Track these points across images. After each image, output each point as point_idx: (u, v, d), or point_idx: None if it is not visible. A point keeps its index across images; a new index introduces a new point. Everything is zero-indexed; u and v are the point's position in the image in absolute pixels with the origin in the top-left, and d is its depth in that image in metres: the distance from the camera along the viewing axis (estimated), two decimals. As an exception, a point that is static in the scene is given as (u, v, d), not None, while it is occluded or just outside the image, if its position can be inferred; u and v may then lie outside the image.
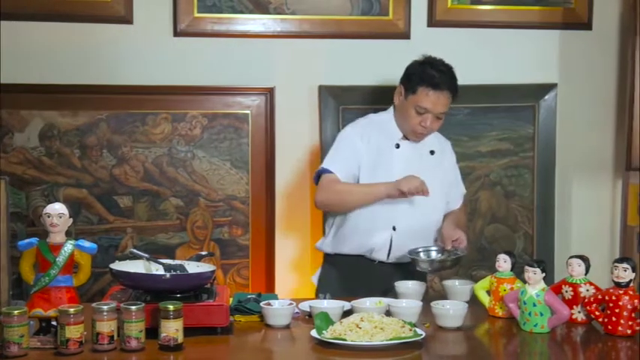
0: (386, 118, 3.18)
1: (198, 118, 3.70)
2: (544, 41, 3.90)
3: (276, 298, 2.73)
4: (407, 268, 3.11)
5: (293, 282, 3.76)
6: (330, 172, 3.07)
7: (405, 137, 3.13)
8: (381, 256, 3.11)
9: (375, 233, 3.08)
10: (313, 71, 3.76)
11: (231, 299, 2.64)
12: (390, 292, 2.89)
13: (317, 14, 3.74)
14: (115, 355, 2.23)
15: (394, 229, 3.07)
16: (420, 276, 3.12)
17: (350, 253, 3.14)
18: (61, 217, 2.33)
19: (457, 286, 2.90)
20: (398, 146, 3.12)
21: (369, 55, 3.78)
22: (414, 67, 3.09)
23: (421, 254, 3.03)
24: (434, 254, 3.04)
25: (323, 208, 3.21)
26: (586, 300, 2.53)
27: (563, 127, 3.91)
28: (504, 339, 2.54)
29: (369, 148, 3.09)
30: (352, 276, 3.12)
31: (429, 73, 3.03)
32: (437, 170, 3.15)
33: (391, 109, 3.19)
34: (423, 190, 2.91)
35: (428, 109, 3.02)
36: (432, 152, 3.17)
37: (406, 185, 2.90)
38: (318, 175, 3.11)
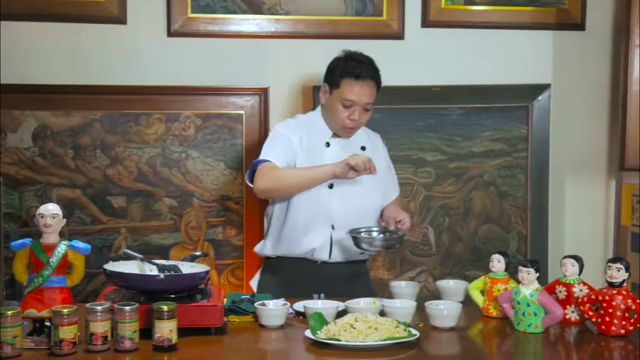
0: (314, 117, 3.15)
1: (192, 119, 3.69)
2: (537, 42, 3.91)
3: (270, 298, 2.73)
4: (349, 268, 3.08)
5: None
6: (267, 160, 2.98)
7: (335, 135, 3.10)
8: (322, 256, 3.04)
9: (315, 233, 3.02)
10: (307, 72, 3.76)
11: (225, 300, 2.64)
12: (335, 294, 2.82)
13: (311, 15, 3.74)
14: (109, 356, 2.22)
15: (333, 227, 3.02)
16: (362, 275, 3.12)
17: (291, 256, 3.08)
18: (54, 218, 2.33)
19: (451, 286, 2.90)
20: (328, 145, 3.08)
21: (363, 56, 3.78)
22: (335, 63, 3.08)
23: (363, 234, 2.92)
24: (375, 234, 2.94)
25: (263, 195, 3.07)
26: (579, 300, 2.54)
27: (557, 128, 3.91)
28: (498, 339, 2.54)
29: (301, 146, 3.05)
30: (294, 279, 3.04)
31: (350, 64, 3.02)
32: None
33: (318, 108, 3.15)
34: (370, 167, 2.84)
35: (354, 101, 2.99)
36: (363, 148, 3.12)
37: (353, 159, 2.83)
38: (253, 170, 2.99)
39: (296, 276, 3.05)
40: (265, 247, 3.15)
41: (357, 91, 3.00)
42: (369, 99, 3.02)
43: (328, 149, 3.07)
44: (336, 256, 3.05)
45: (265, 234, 3.18)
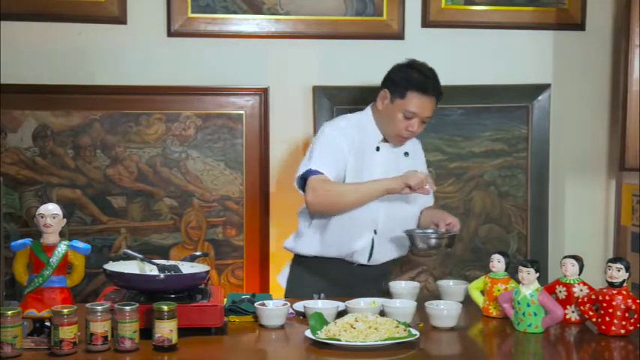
0: (364, 119, 3.13)
1: (192, 119, 3.69)
2: (538, 42, 3.91)
3: (270, 298, 2.73)
4: (377, 269, 3.12)
5: (287, 282, 3.75)
6: (319, 172, 2.96)
7: (384, 140, 3.11)
8: (361, 259, 3.08)
9: (357, 237, 3.05)
10: (307, 71, 3.77)
11: (225, 300, 2.64)
12: (371, 294, 2.83)
13: (311, 15, 3.74)
14: (109, 356, 2.22)
15: (375, 232, 3.06)
16: (387, 276, 3.16)
17: (329, 256, 3.10)
18: (54, 218, 2.33)
19: (451, 286, 2.90)
20: (378, 149, 3.10)
21: (363, 56, 3.78)
22: (401, 72, 3.06)
23: (419, 233, 3.00)
24: (430, 233, 3.01)
25: (315, 209, 3.00)
26: (580, 300, 2.54)
27: (557, 128, 3.92)
28: (498, 339, 2.54)
29: (351, 149, 3.04)
30: (328, 278, 3.07)
31: (417, 77, 3.01)
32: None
33: (368, 110, 3.14)
34: (431, 183, 2.88)
35: (416, 114, 3.01)
36: (406, 154, 3.16)
37: (414, 180, 2.86)
38: (304, 178, 2.98)
39: (330, 275, 3.08)
40: (301, 246, 3.14)
41: (420, 105, 3.01)
42: (430, 113, 3.05)
43: (378, 153, 3.09)
44: (374, 260, 3.09)
45: (300, 232, 3.16)
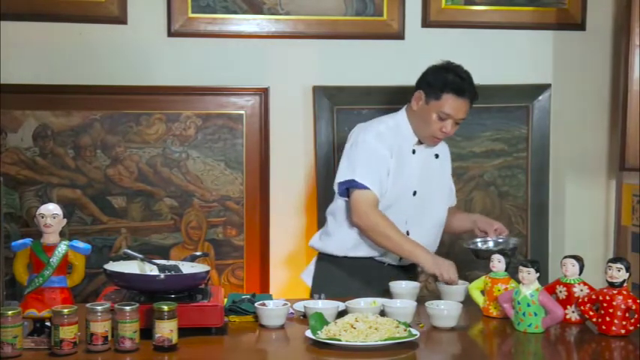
0: (400, 121, 3.13)
1: (192, 119, 3.69)
2: (538, 42, 3.91)
3: (270, 298, 2.73)
4: (403, 270, 3.15)
5: (287, 282, 3.75)
6: (367, 187, 2.98)
7: (419, 142, 3.13)
8: (392, 260, 3.13)
9: None
10: (307, 71, 3.76)
11: (225, 300, 2.64)
12: (384, 294, 2.87)
13: (311, 15, 3.74)
14: (109, 356, 2.22)
15: (408, 233, 3.08)
16: (411, 277, 3.16)
17: (361, 256, 3.12)
18: (54, 218, 2.33)
19: (451, 286, 2.90)
20: (414, 152, 3.12)
21: (364, 56, 3.78)
22: (437, 74, 3.07)
23: (479, 244, 3.11)
24: (491, 244, 3.10)
25: (362, 229, 3.04)
26: (580, 300, 2.54)
27: (557, 128, 3.92)
28: (498, 339, 2.54)
29: (392, 154, 3.06)
30: (357, 277, 3.09)
31: (452, 79, 3.03)
32: (440, 173, 3.22)
33: (402, 112, 3.14)
34: (453, 282, 2.91)
35: (451, 115, 3.02)
36: (436, 156, 3.19)
37: (446, 274, 2.91)
38: (347, 188, 3.02)
39: (359, 274, 3.09)
40: (330, 245, 3.16)
41: (456, 107, 3.02)
42: (464, 115, 3.07)
43: (414, 156, 3.12)
44: (404, 261, 3.12)
45: (328, 231, 3.17)
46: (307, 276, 3.24)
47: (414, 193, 3.10)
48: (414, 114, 3.10)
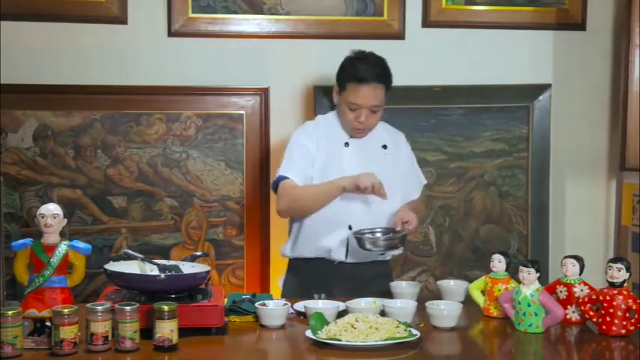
0: (331, 117, 3.13)
1: (192, 119, 3.69)
2: (538, 42, 3.91)
3: (270, 298, 2.73)
4: (371, 269, 3.06)
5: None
6: (287, 177, 3.00)
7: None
8: (339, 256, 3.03)
9: (332, 234, 3.01)
10: (308, 72, 3.77)
11: (225, 300, 2.64)
12: (353, 293, 2.82)
13: (311, 15, 3.74)
14: (110, 356, 2.22)
15: (350, 227, 3.00)
16: (384, 276, 3.08)
17: (310, 256, 3.07)
18: (55, 218, 2.33)
19: (452, 286, 2.90)
20: (347, 145, 3.06)
21: (364, 56, 3.78)
22: (344, 63, 3.04)
23: (367, 234, 2.95)
24: (379, 234, 2.96)
25: (285, 215, 3.10)
26: (580, 300, 2.54)
27: (558, 128, 3.92)
28: (499, 339, 2.54)
29: (319, 149, 3.04)
30: (314, 279, 3.03)
31: (356, 67, 2.97)
32: (390, 164, 3.09)
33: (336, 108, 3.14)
34: (380, 192, 2.86)
35: (359, 105, 2.96)
36: (384, 146, 3.11)
37: (364, 181, 2.84)
38: (277, 184, 3.03)
39: (316, 276, 3.03)
40: (286, 249, 3.15)
41: (362, 95, 2.96)
42: (374, 101, 2.98)
43: (348, 149, 3.06)
44: (354, 257, 3.03)
45: (289, 236, 3.18)
46: (281, 282, 3.21)
47: None
48: (336, 108, 3.10)
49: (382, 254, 3.06)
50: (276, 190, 3.05)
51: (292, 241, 3.12)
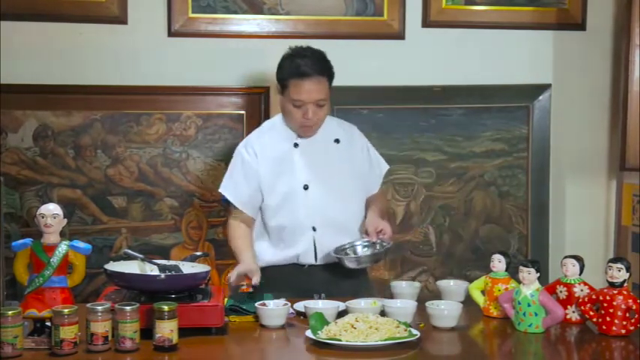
0: (276, 120, 3.06)
1: (192, 119, 3.69)
2: (538, 42, 3.91)
3: (270, 298, 2.73)
4: (339, 268, 2.94)
5: (288, 282, 3.75)
6: (229, 202, 3.01)
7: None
8: (308, 259, 2.96)
9: (297, 237, 2.95)
10: (308, 71, 3.76)
11: (225, 300, 2.64)
12: (331, 296, 2.79)
13: (311, 15, 3.75)
14: (110, 356, 2.22)
15: (314, 229, 2.94)
16: (359, 276, 3.03)
17: (279, 263, 3.00)
18: (55, 218, 2.33)
19: (452, 286, 2.90)
20: (296, 145, 2.98)
21: (364, 56, 3.78)
22: (282, 62, 2.96)
23: (347, 251, 2.91)
24: (359, 249, 2.91)
25: None
26: (580, 300, 2.54)
27: (558, 128, 3.92)
28: (499, 339, 2.54)
29: (263, 157, 2.97)
30: (286, 286, 2.91)
31: (294, 63, 2.90)
32: (345, 159, 3.03)
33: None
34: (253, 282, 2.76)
35: (304, 100, 2.88)
36: (337, 141, 3.03)
37: (233, 273, 2.79)
38: (225, 203, 3.06)
39: (287, 282, 2.93)
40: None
41: (305, 90, 2.88)
42: (318, 95, 2.89)
43: (297, 149, 2.99)
44: (323, 258, 2.96)
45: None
46: None
47: (306, 187, 2.94)
48: (281, 109, 3.02)
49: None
50: (227, 204, 3.06)
51: (258, 249, 3.02)
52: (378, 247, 2.88)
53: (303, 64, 2.90)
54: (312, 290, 2.89)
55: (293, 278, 2.98)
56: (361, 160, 3.10)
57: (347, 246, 2.93)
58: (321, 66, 2.93)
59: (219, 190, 3.03)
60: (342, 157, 3.03)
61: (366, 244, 2.94)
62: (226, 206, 3.07)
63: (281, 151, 2.99)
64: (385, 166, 3.20)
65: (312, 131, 2.99)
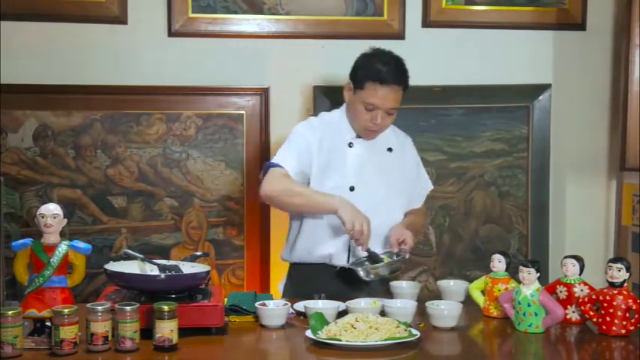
0: (337, 115, 3.02)
1: (192, 119, 3.69)
2: (538, 42, 3.91)
3: (270, 298, 2.73)
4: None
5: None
6: (280, 167, 2.88)
7: (359, 135, 2.99)
8: (340, 261, 2.92)
9: (333, 238, 2.91)
10: (308, 71, 3.77)
11: (225, 300, 2.64)
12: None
13: (311, 14, 3.74)
14: (110, 356, 2.22)
15: None
16: (383, 280, 2.97)
17: (311, 262, 2.98)
18: (55, 218, 2.33)
19: (452, 286, 2.90)
20: (351, 145, 2.96)
21: (364, 56, 3.78)
22: (361, 61, 2.93)
23: (365, 263, 2.82)
24: (376, 263, 2.80)
25: (267, 200, 2.93)
26: (580, 300, 2.54)
27: (558, 128, 3.92)
28: (499, 339, 2.54)
29: (321, 147, 2.93)
30: (314, 285, 2.91)
31: (375, 67, 2.87)
32: (395, 168, 3.02)
33: (344, 107, 3.04)
34: (360, 243, 2.73)
35: (376, 105, 2.85)
36: (389, 149, 3.02)
37: (357, 225, 2.70)
38: (266, 170, 2.92)
39: (317, 282, 2.92)
40: (285, 253, 3.06)
41: (380, 96, 2.86)
42: (392, 104, 2.88)
43: (351, 150, 2.97)
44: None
45: (288, 239, 3.08)
46: (281, 286, 3.12)
47: (352, 189, 2.91)
48: (347, 106, 3.00)
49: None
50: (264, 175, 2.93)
51: (290, 246, 3.03)
52: (394, 258, 2.82)
53: (385, 70, 2.87)
54: (339, 292, 2.83)
55: (320, 278, 2.94)
56: (409, 173, 3.09)
57: (363, 258, 2.86)
58: (402, 76, 2.92)
59: (275, 161, 2.91)
60: (393, 166, 3.02)
61: (387, 255, 2.87)
62: (262, 175, 2.94)
63: (336, 147, 2.96)
64: (430, 186, 3.21)
65: (374, 136, 2.98)
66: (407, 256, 2.84)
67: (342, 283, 2.93)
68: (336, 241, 2.93)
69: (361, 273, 2.78)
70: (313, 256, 2.97)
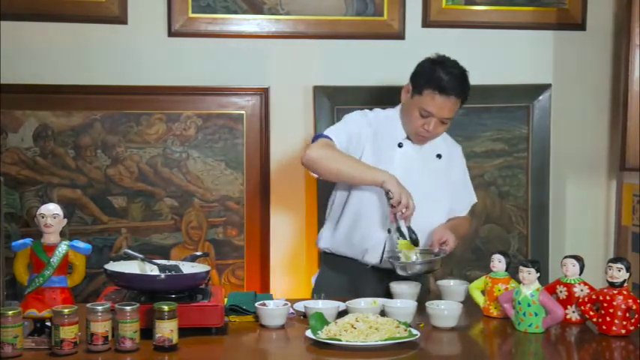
0: (392, 114, 3.03)
1: (192, 119, 3.69)
2: (538, 42, 3.91)
3: (270, 298, 2.73)
4: (398, 275, 2.91)
5: (288, 282, 3.76)
6: (330, 138, 2.88)
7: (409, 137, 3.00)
8: (373, 259, 2.95)
9: (370, 234, 2.93)
10: (308, 71, 3.76)
11: (225, 300, 2.64)
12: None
13: (311, 15, 3.74)
14: (110, 356, 2.22)
15: (389, 231, 2.92)
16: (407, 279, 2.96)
17: (344, 255, 3.01)
18: (55, 218, 2.33)
19: (452, 286, 2.90)
20: (401, 145, 2.98)
21: (364, 56, 3.78)
22: (425, 66, 2.93)
23: (401, 258, 2.85)
24: (414, 257, 2.83)
25: (307, 163, 2.87)
26: (580, 300, 2.54)
27: (558, 128, 3.92)
28: (499, 339, 2.54)
29: (371, 141, 2.94)
30: (347, 280, 2.97)
31: (437, 75, 2.86)
32: (441, 175, 3.04)
33: (399, 106, 3.04)
34: (405, 217, 2.74)
35: (432, 113, 2.86)
36: (438, 156, 3.03)
37: (404, 198, 2.69)
38: (315, 140, 2.93)
39: (349, 276, 2.93)
40: (321, 239, 3.06)
41: (437, 105, 2.85)
42: (449, 114, 2.89)
43: (400, 150, 2.97)
44: (388, 263, 2.89)
45: (325, 225, 3.07)
46: (314, 278, 3.15)
47: None
48: (402, 107, 3.00)
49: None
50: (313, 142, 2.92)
51: (329, 231, 3.02)
52: (432, 256, 2.83)
53: (447, 80, 2.86)
54: (370, 292, 2.83)
55: (352, 274, 2.96)
56: (455, 181, 3.09)
57: (400, 254, 2.86)
58: (463, 87, 2.90)
59: (325, 133, 2.91)
60: (439, 172, 3.02)
61: (422, 252, 2.87)
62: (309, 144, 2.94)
63: (386, 144, 2.97)
64: (474, 199, 3.20)
65: (424, 142, 2.98)
66: (442, 254, 2.84)
67: (375, 282, 2.94)
68: (373, 236, 2.93)
69: (398, 269, 2.79)
70: (348, 247, 2.97)
